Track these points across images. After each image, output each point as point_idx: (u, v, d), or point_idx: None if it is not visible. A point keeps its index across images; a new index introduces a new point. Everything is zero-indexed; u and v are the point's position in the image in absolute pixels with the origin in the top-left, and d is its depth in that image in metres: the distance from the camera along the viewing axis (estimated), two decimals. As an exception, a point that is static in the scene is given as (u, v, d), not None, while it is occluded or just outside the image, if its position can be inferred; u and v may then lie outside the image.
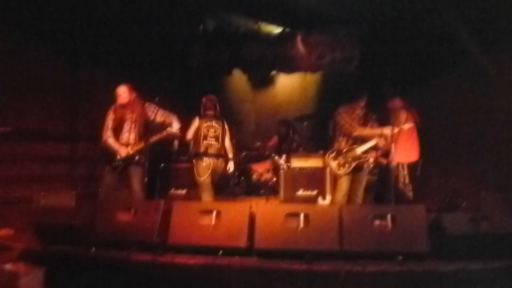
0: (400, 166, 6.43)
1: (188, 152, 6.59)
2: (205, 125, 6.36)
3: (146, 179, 6.02)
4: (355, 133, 5.69)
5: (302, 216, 4.57)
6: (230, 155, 6.62)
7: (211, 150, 6.33)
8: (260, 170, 8.23)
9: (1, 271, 4.24)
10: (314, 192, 6.95)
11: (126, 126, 5.96)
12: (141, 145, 5.91)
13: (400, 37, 7.62)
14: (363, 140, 5.76)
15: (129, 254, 4.61)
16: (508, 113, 6.12)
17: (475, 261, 4.25)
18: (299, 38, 8.89)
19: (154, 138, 5.97)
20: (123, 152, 5.85)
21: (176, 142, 7.59)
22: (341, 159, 5.74)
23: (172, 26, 8.67)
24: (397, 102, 6.64)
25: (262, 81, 10.39)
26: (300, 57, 8.95)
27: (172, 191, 7.55)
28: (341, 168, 5.72)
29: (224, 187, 8.02)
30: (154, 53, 8.68)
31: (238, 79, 10.31)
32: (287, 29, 9.28)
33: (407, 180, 6.47)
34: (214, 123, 6.43)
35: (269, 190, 7.77)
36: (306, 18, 8.60)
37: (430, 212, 4.82)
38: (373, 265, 4.23)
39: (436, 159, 7.19)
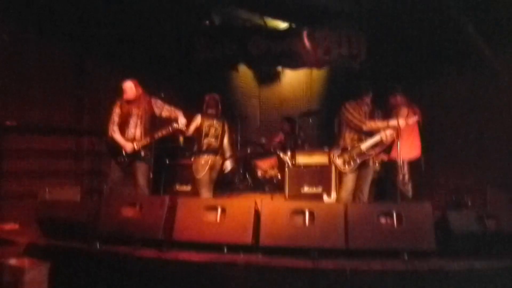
0: (400, 163, 6.33)
1: (192, 148, 6.58)
2: (206, 123, 6.37)
3: (151, 175, 6.01)
4: (365, 128, 5.65)
5: (307, 213, 4.55)
6: (227, 155, 6.64)
7: (211, 149, 6.36)
8: (265, 166, 8.21)
9: (6, 265, 4.25)
10: (319, 189, 6.94)
11: (132, 122, 5.96)
12: (147, 140, 5.91)
13: (406, 32, 7.58)
14: (368, 136, 5.72)
15: (134, 250, 4.61)
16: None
17: (481, 259, 4.24)
18: (305, 33, 8.85)
19: (159, 134, 5.96)
20: (128, 147, 5.85)
21: (181, 138, 7.57)
22: (346, 156, 5.70)
23: (178, 20, 8.66)
24: (398, 98, 6.55)
25: (268, 77, 10.35)
26: (306, 53, 8.92)
27: (177, 187, 7.56)
28: (347, 165, 5.69)
29: (229, 183, 8.02)
30: (159, 48, 8.68)
31: (244, 74, 10.28)
32: (293, 25, 9.24)
33: (406, 179, 6.39)
34: (215, 123, 6.45)
35: (274, 186, 7.75)
36: (312, 13, 8.57)
37: (435, 209, 4.79)
38: (379, 263, 4.22)
39: (442, 156, 7.16)
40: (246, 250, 4.52)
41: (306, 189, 7.02)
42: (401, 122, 5.54)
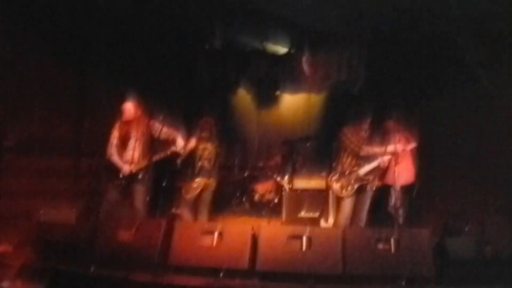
0: (392, 189, 6.28)
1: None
2: (200, 146, 6.41)
3: (148, 197, 5.97)
4: (362, 153, 5.66)
5: (304, 238, 4.53)
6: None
7: (204, 172, 6.39)
8: (262, 190, 8.16)
9: (-1, 288, 4.20)
10: (316, 214, 6.90)
11: (130, 144, 5.95)
12: (144, 163, 5.89)
13: (405, 58, 7.63)
14: (366, 161, 5.72)
15: (129, 274, 4.55)
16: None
17: (479, 285, 4.20)
18: (304, 58, 8.90)
19: (157, 157, 5.95)
20: (126, 169, 5.83)
21: (179, 160, 7.55)
22: (344, 181, 5.70)
23: (178, 43, 8.71)
24: (391, 124, 6.53)
25: (267, 101, 10.36)
26: (305, 78, 8.95)
27: (174, 210, 7.50)
28: (344, 190, 5.68)
29: (226, 206, 7.97)
30: (160, 70, 8.71)
31: (242, 98, 10.27)
32: (293, 49, 9.30)
33: (398, 204, 6.32)
34: (209, 145, 6.49)
35: (270, 210, 7.69)
36: (312, 39, 8.63)
37: (433, 235, 4.77)
38: (376, 289, 4.18)
39: (439, 182, 7.14)
40: (243, 275, 4.48)
41: (303, 214, 6.99)
42: (399, 147, 5.55)
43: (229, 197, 8.02)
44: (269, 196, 7.96)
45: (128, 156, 5.91)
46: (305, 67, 8.85)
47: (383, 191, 6.30)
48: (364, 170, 5.69)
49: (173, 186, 7.51)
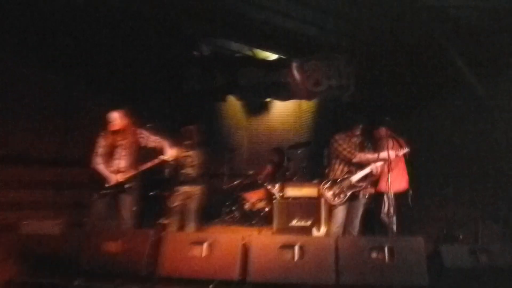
0: (385, 196, 6.22)
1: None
2: (183, 154, 6.36)
3: (135, 207, 5.86)
4: (355, 160, 5.60)
5: (297, 248, 4.45)
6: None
7: (187, 180, 6.37)
8: (253, 199, 8.08)
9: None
10: (308, 223, 6.80)
11: (117, 153, 5.87)
12: (132, 172, 5.80)
13: (396, 65, 7.62)
14: (358, 168, 5.66)
15: (117, 287, 4.47)
16: (506, 141, 6.06)
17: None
18: (294, 65, 8.89)
19: (145, 166, 5.88)
20: (112, 179, 5.73)
21: (167, 170, 7.46)
22: (336, 189, 5.63)
23: (167, 51, 8.67)
24: (382, 131, 6.48)
25: (256, 108, 10.35)
26: (295, 85, 8.95)
27: (162, 220, 7.38)
28: (336, 198, 5.60)
29: (216, 216, 7.88)
30: (148, 78, 8.66)
31: (232, 105, 10.27)
32: (282, 56, 9.29)
33: (391, 211, 6.24)
34: (191, 153, 6.46)
35: (261, 219, 7.61)
36: (302, 46, 8.62)
37: (427, 243, 4.71)
38: (371, 299, 4.11)
39: (433, 189, 7.10)
40: (234, 286, 4.41)
41: (294, 222, 6.88)
42: (392, 154, 5.49)
43: (219, 206, 7.94)
44: (259, 205, 7.90)
45: (115, 166, 5.83)
46: (296, 74, 8.84)
47: (376, 199, 6.25)
48: (356, 177, 5.62)
49: (160, 196, 7.45)
